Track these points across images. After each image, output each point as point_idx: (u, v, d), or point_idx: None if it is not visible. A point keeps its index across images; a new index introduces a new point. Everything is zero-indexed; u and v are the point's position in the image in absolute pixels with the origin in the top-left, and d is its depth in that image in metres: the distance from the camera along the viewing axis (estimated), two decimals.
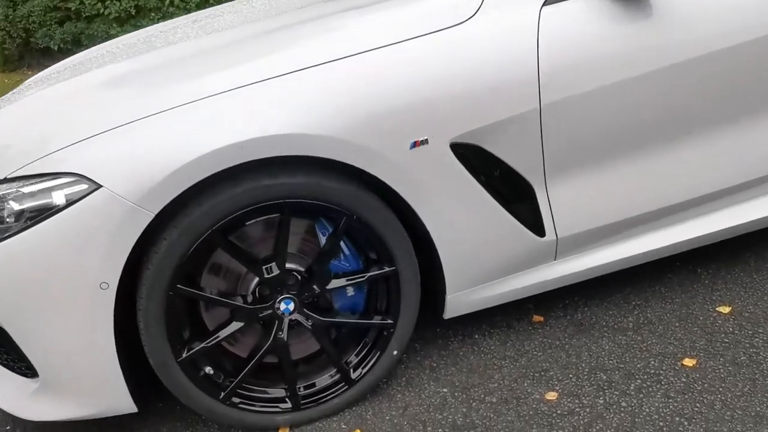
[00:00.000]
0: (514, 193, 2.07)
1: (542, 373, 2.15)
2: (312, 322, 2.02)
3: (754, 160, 2.25)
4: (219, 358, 2.04)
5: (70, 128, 1.86)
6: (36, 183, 1.78)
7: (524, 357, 2.23)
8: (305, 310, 2.01)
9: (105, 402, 1.92)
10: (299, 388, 2.08)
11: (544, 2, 1.98)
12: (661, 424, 1.91)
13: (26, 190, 1.78)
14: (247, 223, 1.95)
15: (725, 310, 2.30)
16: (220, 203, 1.82)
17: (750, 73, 2.14)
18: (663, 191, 2.20)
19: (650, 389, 2.03)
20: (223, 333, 1.97)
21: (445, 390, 2.14)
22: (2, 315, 1.84)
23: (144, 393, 2.00)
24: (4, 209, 1.79)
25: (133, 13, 7.01)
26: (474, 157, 1.98)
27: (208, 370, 2.00)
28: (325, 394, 2.09)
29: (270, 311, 1.98)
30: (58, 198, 1.76)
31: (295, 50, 1.96)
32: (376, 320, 2.09)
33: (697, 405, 1.95)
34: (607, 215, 2.17)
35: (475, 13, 1.96)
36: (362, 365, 2.10)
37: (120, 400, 1.92)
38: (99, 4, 7.12)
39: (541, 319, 2.39)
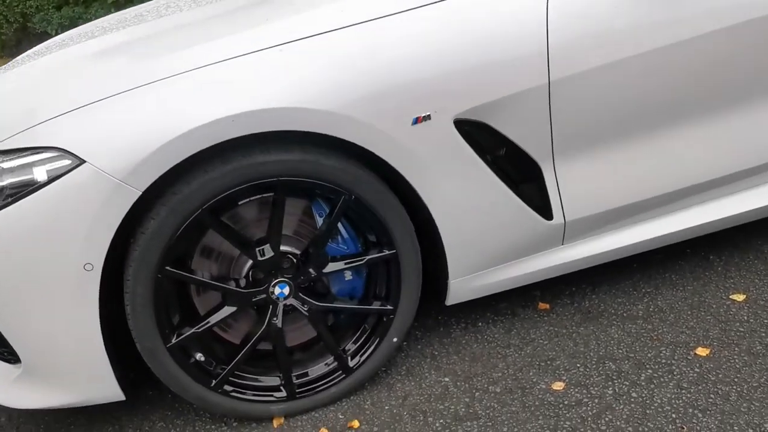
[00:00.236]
0: (520, 174, 2.00)
1: (548, 363, 2.07)
2: (308, 307, 1.95)
3: None
4: (210, 344, 1.98)
5: (54, 101, 1.78)
6: (16, 158, 1.70)
7: (530, 345, 2.16)
8: (301, 294, 1.95)
9: (90, 389, 1.86)
10: (294, 376, 2.01)
11: None
12: (673, 415, 1.83)
13: (6, 165, 1.70)
14: (240, 203, 1.88)
15: (739, 298, 2.23)
16: (211, 181, 1.74)
17: None
18: (676, 174, 2.12)
19: (662, 379, 1.95)
20: (215, 318, 1.91)
21: (446, 379, 2.07)
22: None
23: (134, 381, 1.93)
24: None
25: None
26: (479, 135, 1.90)
27: (199, 356, 1.93)
28: (322, 382, 2.03)
29: (264, 295, 1.91)
30: (40, 174, 1.68)
31: (292, 20, 1.88)
32: (376, 306, 2.03)
33: (712, 396, 1.87)
34: (617, 198, 2.10)
35: None
36: (360, 353, 2.04)
37: (106, 388, 1.86)
38: None
39: (548, 306, 2.32)
